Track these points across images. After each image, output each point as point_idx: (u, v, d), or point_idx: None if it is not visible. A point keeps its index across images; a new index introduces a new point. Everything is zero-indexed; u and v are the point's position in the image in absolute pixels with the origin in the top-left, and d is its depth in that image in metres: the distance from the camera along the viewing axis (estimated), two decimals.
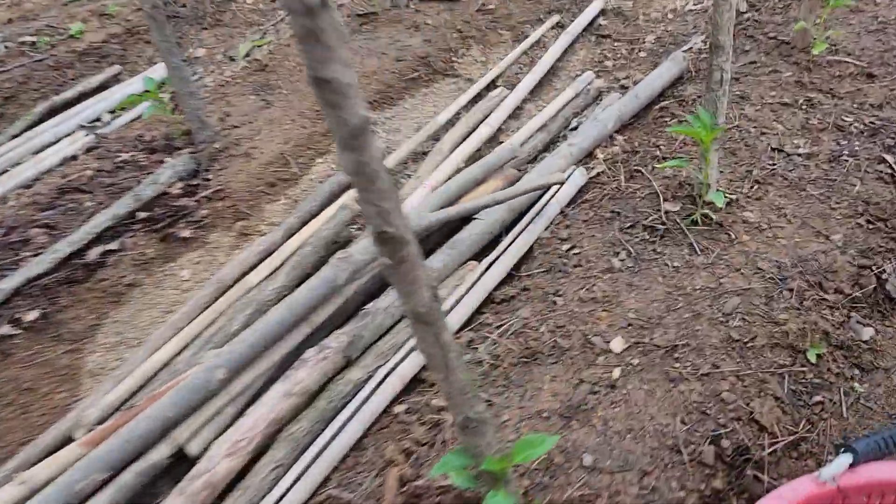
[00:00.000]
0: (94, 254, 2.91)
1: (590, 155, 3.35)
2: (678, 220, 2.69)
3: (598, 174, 3.19)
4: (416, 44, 4.10)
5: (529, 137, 3.50)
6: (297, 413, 2.39)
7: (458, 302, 2.62)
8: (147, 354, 2.61)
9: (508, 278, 2.80)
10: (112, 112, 4.32)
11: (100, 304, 2.81)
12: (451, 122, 3.74)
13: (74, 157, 3.69)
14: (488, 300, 2.72)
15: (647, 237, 2.68)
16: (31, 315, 2.69)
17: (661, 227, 2.69)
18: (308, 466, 2.17)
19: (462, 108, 3.82)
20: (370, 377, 2.44)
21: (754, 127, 3.12)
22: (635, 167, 3.07)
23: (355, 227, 3.22)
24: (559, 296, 2.56)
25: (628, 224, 2.77)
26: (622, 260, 2.62)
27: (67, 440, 2.41)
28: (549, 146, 3.57)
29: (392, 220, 1.31)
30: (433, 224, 2.75)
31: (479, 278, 2.71)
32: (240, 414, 2.38)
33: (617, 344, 2.32)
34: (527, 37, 4.31)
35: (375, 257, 2.65)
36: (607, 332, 2.37)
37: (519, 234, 2.88)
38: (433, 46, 4.07)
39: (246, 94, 3.93)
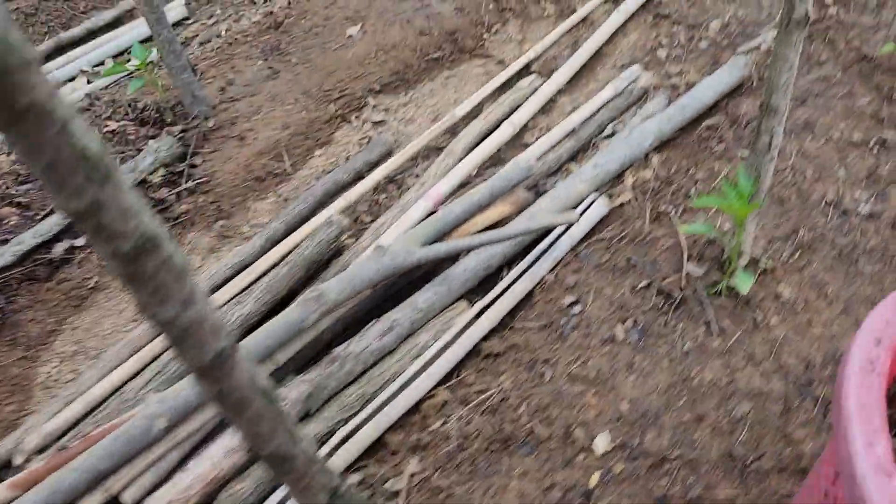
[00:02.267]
0: (60, 249, 2.74)
1: (619, 177, 2.98)
2: (699, 288, 2.35)
3: (623, 204, 2.83)
4: (446, 12, 3.69)
5: (552, 147, 3.13)
6: (244, 469, 2.23)
7: (439, 354, 2.38)
8: (99, 375, 2.46)
9: (500, 326, 2.53)
10: (115, 57, 4.08)
11: (60, 307, 2.66)
12: (472, 115, 3.38)
13: None
14: (474, 351, 2.47)
15: (661, 304, 2.36)
16: None
17: (678, 293, 2.36)
18: None
19: (487, 98, 3.45)
20: (331, 433, 2.25)
21: (812, 169, 2.71)
22: (664, 207, 2.70)
23: (346, 236, 2.97)
24: (549, 365, 2.29)
25: (643, 283, 2.45)
26: (627, 330, 2.32)
27: (6, 464, 2.31)
28: (576, 154, 3.21)
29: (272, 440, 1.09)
30: (422, 261, 2.47)
31: (467, 326, 2.45)
32: (184, 459, 2.23)
33: (602, 442, 2.06)
34: (573, 12, 3.85)
35: (351, 296, 2.41)
36: (594, 424, 2.11)
37: (519, 276, 2.58)
38: (465, 18, 3.65)
39: (254, 57, 3.62)
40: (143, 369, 2.47)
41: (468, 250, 2.54)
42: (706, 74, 3.45)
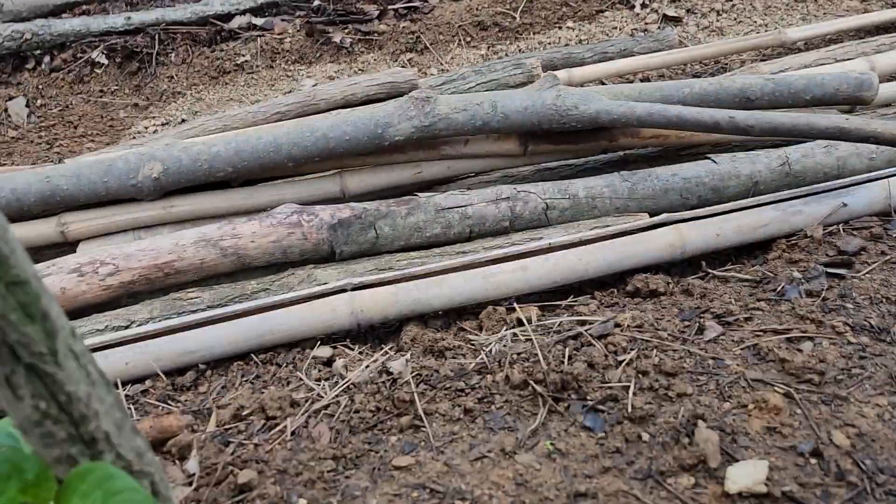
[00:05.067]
0: (237, 23, 2.37)
1: None
2: None
3: None
4: None
5: None
6: (215, 277, 1.53)
7: (557, 249, 1.40)
8: (175, 135, 1.99)
9: (686, 264, 1.46)
10: None
11: (199, 73, 2.27)
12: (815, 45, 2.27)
13: None
14: (616, 277, 1.43)
15: None
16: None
17: None
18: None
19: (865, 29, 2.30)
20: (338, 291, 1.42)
21: None
22: None
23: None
24: (731, 325, 1.17)
25: None
26: None
27: None
28: None
29: None
30: (598, 120, 1.52)
31: (625, 234, 1.43)
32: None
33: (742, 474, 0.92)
34: None
35: (472, 129, 1.56)
36: (751, 443, 0.97)
37: (761, 205, 1.47)
38: None
39: None
40: None
41: (688, 126, 1.50)
42: None
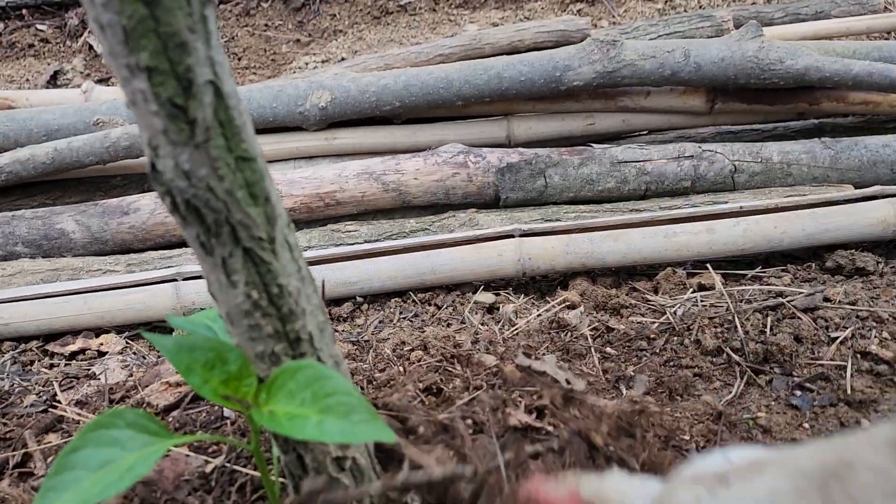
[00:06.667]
0: None
1: None
2: None
3: None
4: None
5: None
6: (374, 210, 1.50)
7: (755, 212, 1.28)
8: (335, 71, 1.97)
9: (894, 247, 1.30)
10: None
11: (362, 13, 2.25)
12: None
13: None
14: (812, 254, 1.29)
15: None
16: None
17: None
18: None
19: None
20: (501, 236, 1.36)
21: None
22: None
23: None
24: None
25: None
26: None
27: None
28: None
29: None
30: (805, 76, 1.37)
31: (827, 203, 1.28)
32: None
33: None
34: None
35: (660, 78, 1.45)
36: None
37: None
38: None
39: None
40: None
41: None
42: None
